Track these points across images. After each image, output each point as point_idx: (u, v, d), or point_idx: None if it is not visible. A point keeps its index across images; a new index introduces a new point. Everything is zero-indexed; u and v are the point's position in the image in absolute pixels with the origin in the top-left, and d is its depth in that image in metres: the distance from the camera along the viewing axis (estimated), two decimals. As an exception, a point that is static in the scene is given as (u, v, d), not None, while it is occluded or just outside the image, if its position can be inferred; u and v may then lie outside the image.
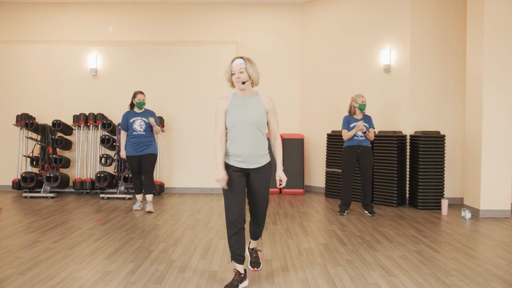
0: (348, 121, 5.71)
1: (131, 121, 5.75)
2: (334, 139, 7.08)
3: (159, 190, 7.37)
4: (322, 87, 7.76)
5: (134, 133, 5.72)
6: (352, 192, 5.98)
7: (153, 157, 5.81)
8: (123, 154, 5.83)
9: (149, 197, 5.85)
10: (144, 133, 5.74)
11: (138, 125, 5.73)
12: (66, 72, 7.78)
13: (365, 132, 5.56)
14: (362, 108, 5.68)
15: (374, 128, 5.69)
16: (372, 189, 6.58)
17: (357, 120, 5.68)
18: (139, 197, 5.98)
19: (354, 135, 5.63)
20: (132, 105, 5.90)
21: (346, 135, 5.67)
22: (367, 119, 5.70)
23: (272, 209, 6.13)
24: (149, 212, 5.76)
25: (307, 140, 8.03)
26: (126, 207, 6.12)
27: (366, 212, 5.75)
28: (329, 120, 7.49)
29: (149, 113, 5.85)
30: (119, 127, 7.06)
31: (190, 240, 4.39)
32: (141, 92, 5.85)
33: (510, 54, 5.66)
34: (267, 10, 8.11)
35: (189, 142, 7.66)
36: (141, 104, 5.78)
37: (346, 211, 5.78)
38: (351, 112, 5.78)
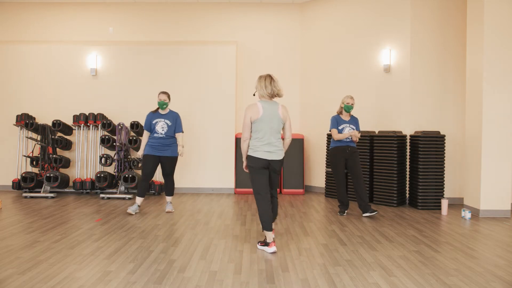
0: (337, 122, 5.68)
1: (153, 122, 5.59)
2: (334, 139, 7.08)
3: (159, 190, 7.37)
4: (322, 87, 7.76)
5: (156, 135, 5.58)
6: (348, 194, 5.96)
7: (172, 160, 5.66)
8: (140, 153, 5.67)
9: (170, 198, 5.88)
10: (165, 136, 5.58)
11: (160, 127, 5.57)
12: (66, 72, 7.78)
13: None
14: (346, 109, 5.66)
15: (359, 131, 5.71)
16: (371, 189, 6.59)
17: (344, 121, 5.67)
18: (139, 201, 5.68)
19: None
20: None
21: (338, 136, 5.60)
22: (354, 120, 5.72)
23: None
24: (169, 212, 5.78)
25: (307, 140, 8.03)
26: (126, 207, 6.11)
27: (365, 214, 5.56)
28: (329, 120, 7.47)
29: (173, 116, 5.67)
30: (119, 126, 7.07)
31: (190, 240, 4.39)
32: (164, 92, 5.63)
33: (510, 54, 5.66)
34: (267, 10, 8.11)
35: (189, 142, 7.66)
36: (162, 104, 5.58)
37: (346, 211, 5.77)
38: (339, 112, 5.77)
